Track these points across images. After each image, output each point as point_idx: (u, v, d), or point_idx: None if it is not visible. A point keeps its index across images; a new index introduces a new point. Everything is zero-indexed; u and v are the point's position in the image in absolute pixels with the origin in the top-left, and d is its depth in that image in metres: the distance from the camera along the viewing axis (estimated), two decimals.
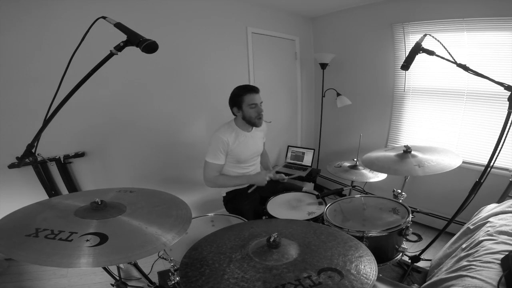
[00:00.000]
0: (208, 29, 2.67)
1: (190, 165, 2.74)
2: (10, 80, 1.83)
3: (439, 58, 1.43)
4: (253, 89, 1.79)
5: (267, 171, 1.88)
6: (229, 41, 2.86)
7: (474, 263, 1.22)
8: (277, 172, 2.13)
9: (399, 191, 1.77)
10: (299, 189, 1.97)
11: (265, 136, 2.10)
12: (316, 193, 1.83)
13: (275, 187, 2.03)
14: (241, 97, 1.77)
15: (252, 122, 1.83)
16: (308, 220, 1.53)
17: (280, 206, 1.72)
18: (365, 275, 0.80)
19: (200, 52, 2.65)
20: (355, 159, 2.29)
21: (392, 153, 1.82)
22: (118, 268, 1.80)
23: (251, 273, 0.82)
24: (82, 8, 1.95)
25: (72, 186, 2.13)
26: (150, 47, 0.91)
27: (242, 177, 1.89)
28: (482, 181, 1.53)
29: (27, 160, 1.04)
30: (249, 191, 1.88)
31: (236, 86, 1.85)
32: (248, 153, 1.88)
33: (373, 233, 1.34)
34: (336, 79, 3.38)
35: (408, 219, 1.42)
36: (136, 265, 1.17)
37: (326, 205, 1.63)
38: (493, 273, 1.10)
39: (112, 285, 1.26)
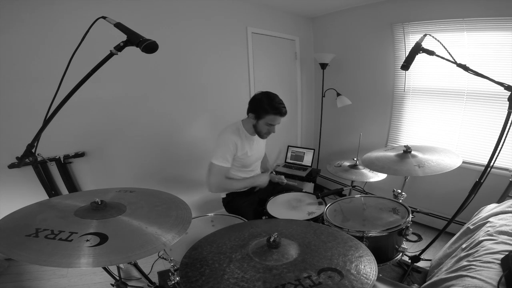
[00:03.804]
0: (208, 29, 2.67)
1: (190, 165, 2.75)
2: (10, 80, 1.83)
3: (439, 58, 1.43)
4: (281, 113, 1.70)
5: (267, 172, 1.87)
6: (229, 41, 2.86)
7: (474, 263, 1.22)
8: (277, 173, 2.14)
9: (399, 191, 1.76)
10: (298, 191, 1.96)
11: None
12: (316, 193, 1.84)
13: (274, 189, 2.03)
14: (266, 113, 1.69)
15: (259, 134, 1.82)
16: (308, 220, 1.53)
17: (280, 206, 1.72)
18: (365, 275, 0.80)
19: (200, 52, 2.66)
20: (355, 159, 2.29)
21: (392, 153, 1.82)
22: (118, 268, 1.80)
23: (251, 273, 0.82)
24: (82, 8, 1.95)
25: (72, 186, 2.13)
26: (150, 47, 0.91)
27: (248, 180, 1.86)
28: (482, 181, 1.53)
29: (27, 160, 1.03)
30: (256, 189, 1.90)
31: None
32: (254, 158, 1.87)
33: (373, 233, 1.34)
34: (336, 79, 3.38)
35: (408, 219, 1.42)
36: (136, 265, 1.17)
37: (326, 205, 1.63)
38: (493, 273, 1.10)
39: (112, 285, 1.26)
